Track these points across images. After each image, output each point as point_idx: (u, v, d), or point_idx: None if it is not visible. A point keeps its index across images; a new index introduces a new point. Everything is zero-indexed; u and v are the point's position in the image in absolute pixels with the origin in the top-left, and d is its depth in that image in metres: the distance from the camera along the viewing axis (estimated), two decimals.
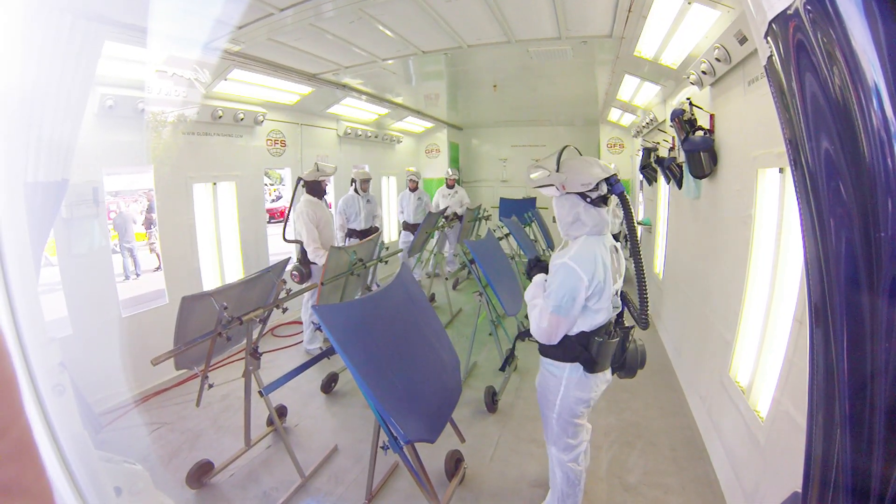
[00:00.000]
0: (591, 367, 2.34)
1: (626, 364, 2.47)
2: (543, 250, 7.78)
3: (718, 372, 3.37)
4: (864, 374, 1.00)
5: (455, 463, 3.19)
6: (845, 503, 1.07)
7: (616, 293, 2.40)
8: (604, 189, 2.27)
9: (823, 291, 1.08)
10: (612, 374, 2.52)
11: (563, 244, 2.47)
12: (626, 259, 4.65)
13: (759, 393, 2.79)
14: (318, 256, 5.13)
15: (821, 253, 1.07)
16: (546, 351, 2.43)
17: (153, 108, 4.44)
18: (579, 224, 2.31)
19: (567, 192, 2.27)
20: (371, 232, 6.57)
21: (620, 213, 4.66)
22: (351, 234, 6.67)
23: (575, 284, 2.20)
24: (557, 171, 2.28)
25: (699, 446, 3.44)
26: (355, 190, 6.67)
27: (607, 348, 2.33)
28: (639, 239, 2.26)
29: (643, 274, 2.25)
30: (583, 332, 2.33)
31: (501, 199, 10.47)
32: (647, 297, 2.26)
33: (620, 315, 2.48)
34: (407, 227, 8.44)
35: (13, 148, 1.32)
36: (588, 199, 2.27)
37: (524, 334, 2.80)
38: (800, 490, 1.23)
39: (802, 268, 1.40)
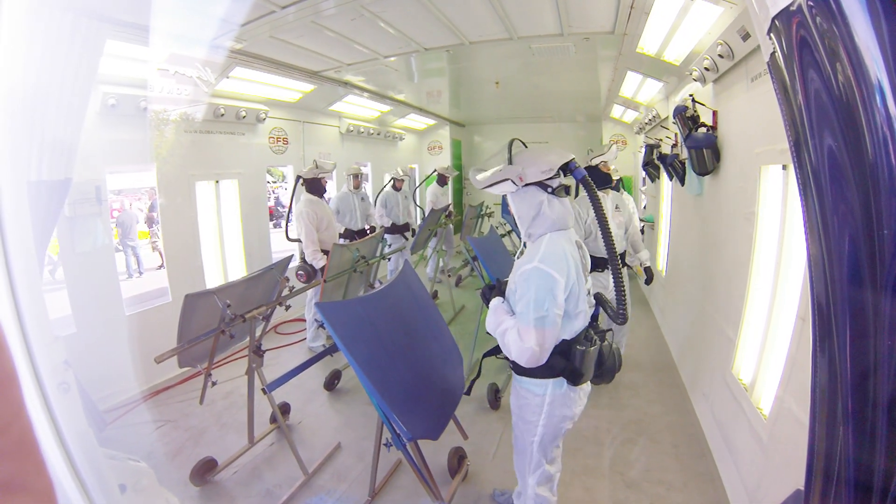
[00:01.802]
0: (577, 379, 2.11)
1: (604, 370, 2.20)
2: None
3: (721, 369, 3.37)
4: (867, 370, 1.00)
5: (458, 460, 3.20)
6: (848, 499, 1.07)
7: (588, 293, 2.20)
8: (563, 178, 2.11)
9: (826, 288, 1.08)
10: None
11: (521, 251, 2.27)
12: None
13: (762, 390, 2.79)
14: (315, 259, 5.06)
15: (824, 250, 1.07)
16: (523, 369, 2.15)
17: (155, 106, 4.45)
18: (542, 218, 2.10)
19: (526, 185, 2.07)
20: (366, 233, 6.36)
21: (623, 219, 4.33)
22: (347, 234, 6.28)
23: (552, 287, 1.96)
24: (510, 164, 2.09)
25: (702, 443, 3.44)
26: (349, 187, 6.44)
27: (591, 356, 2.09)
28: (610, 227, 2.03)
29: (617, 263, 2.04)
30: (563, 341, 2.09)
31: (504, 197, 10.44)
32: (623, 289, 2.04)
33: (595, 318, 2.25)
34: (395, 229, 7.42)
35: (16, 147, 1.33)
36: (549, 190, 2.07)
37: (491, 352, 2.52)
38: (802, 487, 1.23)
39: (805, 265, 1.40)
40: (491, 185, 2.12)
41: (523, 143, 2.24)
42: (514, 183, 2.07)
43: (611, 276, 2.11)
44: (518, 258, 2.25)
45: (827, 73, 0.97)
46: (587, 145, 10.26)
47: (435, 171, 8.49)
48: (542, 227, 2.11)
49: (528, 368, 2.08)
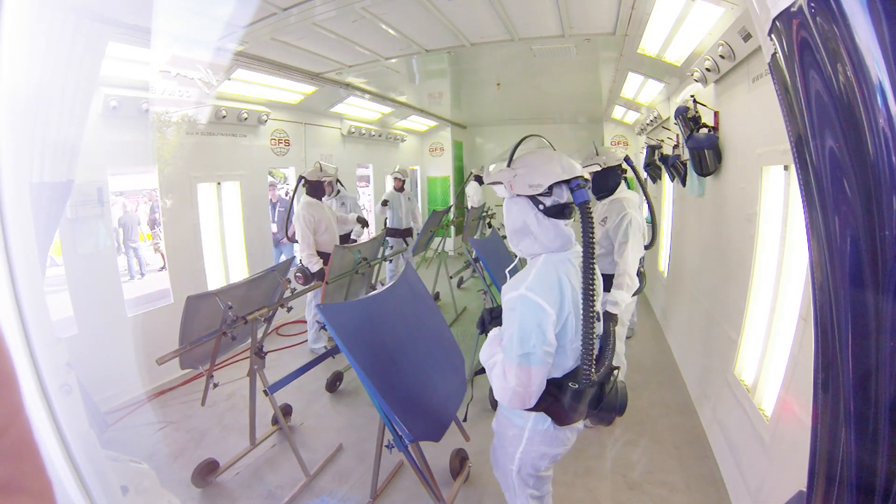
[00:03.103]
0: (561, 419, 1.83)
1: (603, 408, 1.89)
2: None
3: (723, 370, 3.36)
4: (869, 372, 0.99)
5: (460, 461, 3.20)
6: (850, 501, 1.07)
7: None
8: (565, 195, 1.77)
9: (828, 289, 1.08)
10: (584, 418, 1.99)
11: (515, 265, 1.98)
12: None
13: (764, 391, 2.79)
14: (311, 263, 5.03)
15: (825, 251, 1.07)
16: None
17: (157, 108, 4.46)
18: (530, 238, 1.80)
19: (516, 194, 1.78)
20: (344, 241, 6.13)
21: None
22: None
23: (540, 321, 1.66)
24: (509, 165, 1.82)
25: (704, 444, 3.43)
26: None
27: (584, 397, 1.80)
28: (595, 269, 1.63)
29: (591, 311, 1.63)
30: (553, 378, 1.80)
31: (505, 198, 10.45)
32: (592, 347, 1.67)
33: (602, 351, 1.95)
34: (396, 233, 7.36)
35: (19, 148, 1.33)
36: (541, 207, 1.75)
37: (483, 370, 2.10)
38: (805, 489, 1.23)
39: (807, 266, 1.40)
40: (491, 183, 1.87)
41: (550, 144, 1.93)
42: (505, 188, 1.81)
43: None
44: (513, 274, 1.92)
45: (828, 73, 0.97)
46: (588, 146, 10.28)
47: (472, 172, 9.18)
48: (532, 248, 1.83)
49: None
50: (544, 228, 1.77)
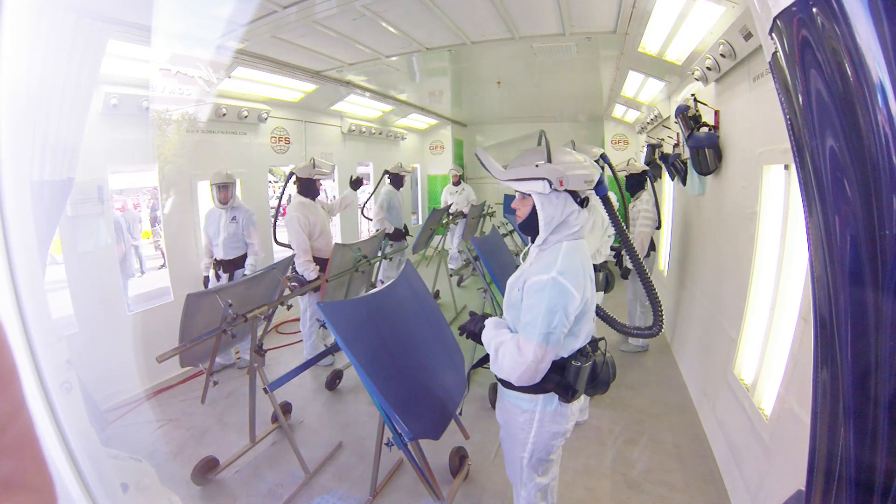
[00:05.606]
0: (570, 395, 1.97)
1: (598, 381, 2.05)
2: None
3: (723, 369, 3.37)
4: (868, 370, 1.00)
5: (459, 459, 3.20)
6: (849, 500, 1.07)
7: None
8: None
9: (828, 289, 1.08)
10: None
11: (524, 253, 2.10)
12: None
13: (764, 391, 2.79)
14: (307, 270, 4.57)
15: (825, 250, 1.07)
16: (511, 382, 1.97)
17: (157, 106, 4.46)
18: (566, 227, 1.93)
19: (564, 189, 1.86)
20: (239, 263, 4.96)
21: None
22: (216, 264, 4.95)
23: (567, 304, 1.81)
24: (548, 161, 1.87)
25: (703, 443, 3.44)
26: (215, 201, 4.88)
27: (585, 372, 1.96)
28: (630, 240, 2.14)
29: (648, 277, 2.17)
30: (560, 358, 1.96)
31: (506, 196, 10.44)
32: (659, 301, 2.22)
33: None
34: (398, 235, 7.00)
35: (19, 147, 1.33)
36: (578, 199, 1.91)
37: (479, 363, 2.29)
38: (804, 488, 1.23)
39: (807, 265, 1.40)
40: (518, 180, 1.89)
41: (545, 137, 2.00)
42: (550, 184, 1.84)
43: (641, 286, 2.26)
44: (524, 262, 2.07)
45: (829, 72, 0.97)
46: (590, 144, 10.26)
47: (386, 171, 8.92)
48: (561, 236, 1.94)
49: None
50: (580, 217, 1.95)
